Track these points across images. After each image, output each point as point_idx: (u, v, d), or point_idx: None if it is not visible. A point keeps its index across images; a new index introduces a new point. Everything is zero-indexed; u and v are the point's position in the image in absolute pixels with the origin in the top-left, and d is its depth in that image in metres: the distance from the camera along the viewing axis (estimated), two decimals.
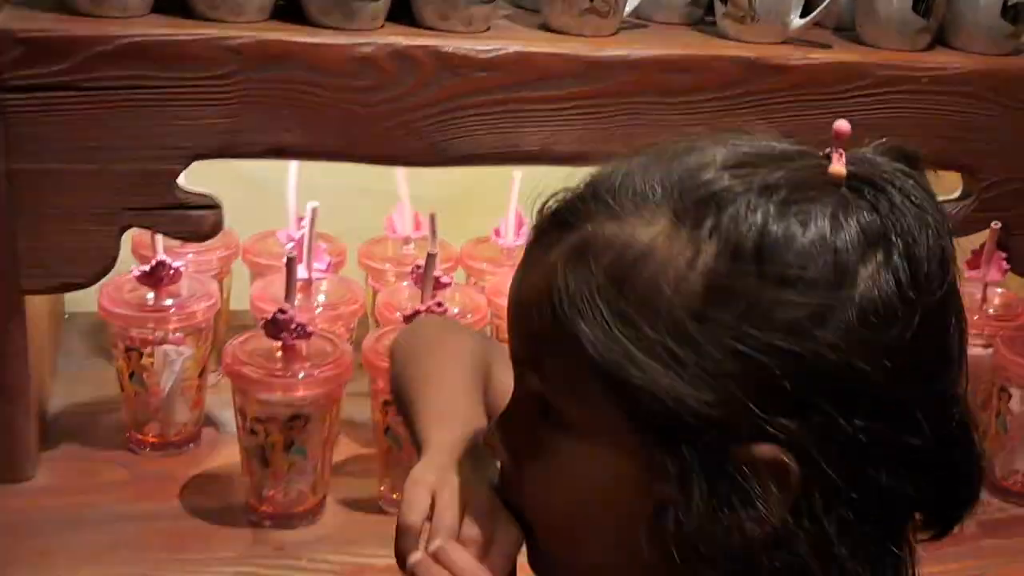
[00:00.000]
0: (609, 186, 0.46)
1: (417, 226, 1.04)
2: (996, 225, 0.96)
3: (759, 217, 0.43)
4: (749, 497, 0.43)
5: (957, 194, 0.97)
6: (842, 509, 0.44)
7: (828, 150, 0.45)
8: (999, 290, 1.02)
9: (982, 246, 0.97)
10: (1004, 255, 0.98)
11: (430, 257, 0.83)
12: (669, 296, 0.43)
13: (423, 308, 0.84)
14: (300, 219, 0.95)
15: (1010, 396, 0.93)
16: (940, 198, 1.10)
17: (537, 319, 0.45)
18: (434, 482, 0.51)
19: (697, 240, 0.43)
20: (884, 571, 0.46)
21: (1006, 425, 0.94)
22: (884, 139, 0.47)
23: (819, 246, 0.43)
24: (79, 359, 1.04)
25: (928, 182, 0.47)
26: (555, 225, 0.46)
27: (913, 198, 0.45)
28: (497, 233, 1.04)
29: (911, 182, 0.46)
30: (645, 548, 0.44)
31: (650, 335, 0.43)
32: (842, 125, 0.45)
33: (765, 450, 0.43)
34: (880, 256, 0.44)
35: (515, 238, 1.02)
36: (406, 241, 1.04)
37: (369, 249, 1.04)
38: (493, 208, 1.04)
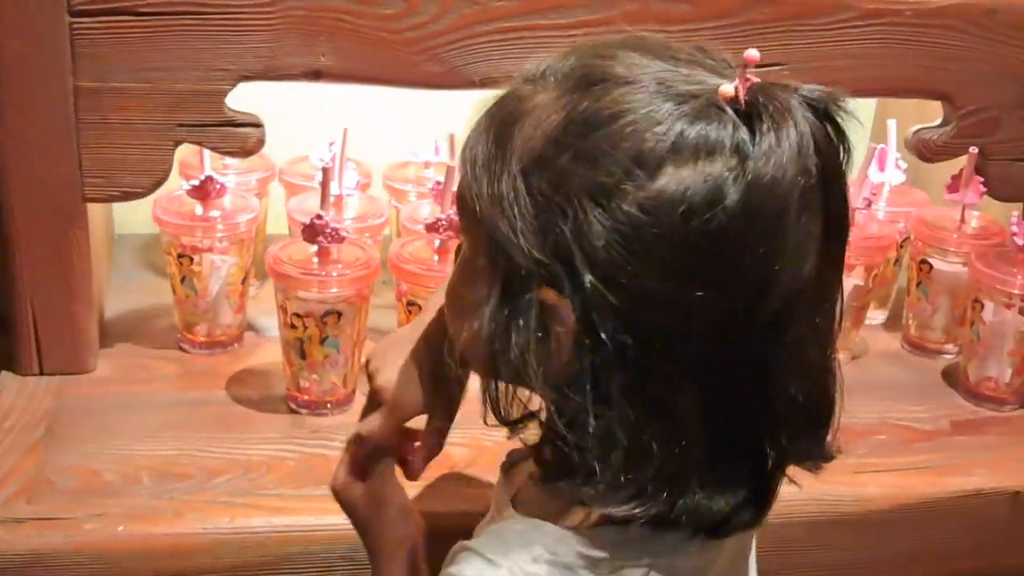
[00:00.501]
0: (549, 64, 0.52)
1: (436, 151, 1.12)
2: (974, 151, 1.02)
3: (605, 99, 0.47)
4: (531, 331, 0.49)
5: (938, 121, 1.04)
6: (613, 381, 0.48)
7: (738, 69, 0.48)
8: (976, 213, 1.09)
9: (961, 171, 1.05)
10: (981, 180, 1.05)
11: (449, 169, 0.92)
12: (516, 152, 0.49)
13: (444, 217, 0.92)
14: (331, 144, 1.04)
15: (983, 307, 1.01)
16: (921, 125, 1.16)
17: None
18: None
19: (557, 109, 0.49)
20: (633, 466, 0.49)
21: (979, 334, 1.02)
22: (821, 84, 0.48)
23: (632, 133, 0.46)
24: (130, 274, 1.15)
25: (830, 138, 0.48)
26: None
27: (784, 141, 0.46)
28: None
29: (795, 129, 0.46)
30: (480, 365, 0.52)
31: (495, 183, 0.49)
32: (750, 53, 0.48)
33: (549, 295, 0.49)
34: (709, 167, 0.46)
35: None
36: (427, 165, 1.13)
37: (393, 172, 1.13)
38: None
